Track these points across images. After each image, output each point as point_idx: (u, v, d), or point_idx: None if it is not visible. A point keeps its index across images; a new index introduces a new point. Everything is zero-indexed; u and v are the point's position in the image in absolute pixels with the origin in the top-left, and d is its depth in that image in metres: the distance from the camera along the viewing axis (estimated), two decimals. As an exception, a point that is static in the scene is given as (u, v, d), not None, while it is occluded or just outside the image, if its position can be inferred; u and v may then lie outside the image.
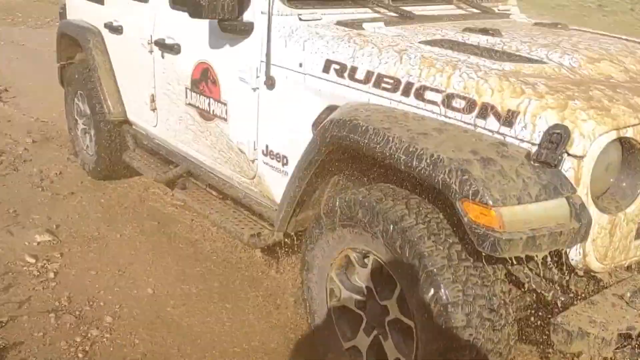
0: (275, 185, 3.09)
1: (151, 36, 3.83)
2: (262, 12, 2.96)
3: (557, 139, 1.94)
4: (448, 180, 1.91)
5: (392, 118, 2.22)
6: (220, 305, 3.39)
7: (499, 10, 3.64)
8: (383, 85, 2.45)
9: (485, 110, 2.13)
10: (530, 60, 2.42)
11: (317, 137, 2.44)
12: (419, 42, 2.67)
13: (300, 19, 2.95)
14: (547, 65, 2.38)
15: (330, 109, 2.70)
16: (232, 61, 3.17)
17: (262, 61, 3.00)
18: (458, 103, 2.20)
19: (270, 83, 2.95)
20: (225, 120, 3.34)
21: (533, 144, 2.01)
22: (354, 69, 2.57)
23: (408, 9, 3.20)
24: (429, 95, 2.30)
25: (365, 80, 2.52)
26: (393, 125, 2.15)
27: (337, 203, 2.41)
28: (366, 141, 2.18)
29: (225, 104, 3.31)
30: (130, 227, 4.24)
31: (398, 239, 2.14)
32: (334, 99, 2.67)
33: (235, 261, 3.86)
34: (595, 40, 2.82)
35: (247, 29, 3.02)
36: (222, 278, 3.67)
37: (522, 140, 2.04)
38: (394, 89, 2.41)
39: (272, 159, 3.07)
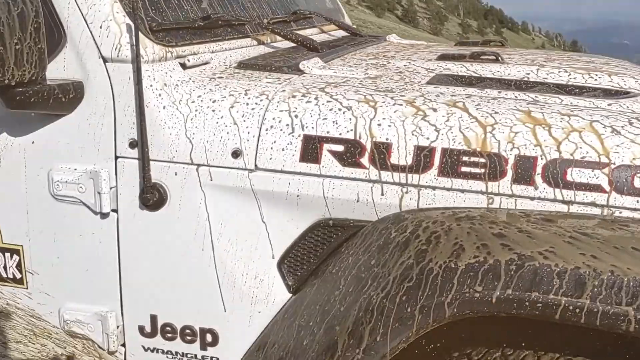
0: (185, 386, 1.59)
1: None
2: (105, 59, 1.44)
3: None
4: None
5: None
6: None
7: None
8: (462, 170, 1.30)
9: None
10: (624, 94, 1.59)
11: (449, 305, 1.11)
12: (433, 84, 1.58)
13: (183, 66, 1.52)
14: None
15: (320, 226, 1.42)
16: (33, 164, 1.53)
17: (119, 157, 1.47)
18: (645, 182, 1.23)
19: (153, 199, 1.45)
20: (22, 282, 1.63)
21: None
22: (382, 149, 1.34)
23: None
24: (577, 175, 1.25)
25: (418, 166, 1.32)
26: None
27: None
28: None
29: (15, 252, 1.61)
30: None
31: None
32: (331, 207, 1.39)
33: None
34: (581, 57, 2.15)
35: (72, 97, 1.44)
36: None
37: None
38: (492, 176, 1.29)
39: (171, 339, 1.55)
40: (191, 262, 1.48)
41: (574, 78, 1.70)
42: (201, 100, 1.45)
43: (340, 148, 1.35)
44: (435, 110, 1.36)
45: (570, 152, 1.27)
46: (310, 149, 1.37)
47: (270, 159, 1.39)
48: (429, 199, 1.32)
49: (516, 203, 1.28)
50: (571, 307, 1.03)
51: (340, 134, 1.36)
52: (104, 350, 1.62)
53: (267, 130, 1.39)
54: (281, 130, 1.39)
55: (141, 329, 1.57)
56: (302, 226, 1.43)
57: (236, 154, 1.41)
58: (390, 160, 1.33)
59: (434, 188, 1.32)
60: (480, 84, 1.60)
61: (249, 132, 1.40)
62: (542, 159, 1.27)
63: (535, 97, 1.49)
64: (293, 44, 2.01)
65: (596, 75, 1.71)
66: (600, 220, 1.20)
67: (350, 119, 1.37)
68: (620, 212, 1.24)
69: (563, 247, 1.09)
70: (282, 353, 1.37)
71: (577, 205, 1.26)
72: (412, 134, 1.33)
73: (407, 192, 1.33)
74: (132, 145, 1.45)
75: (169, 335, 1.55)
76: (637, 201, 1.23)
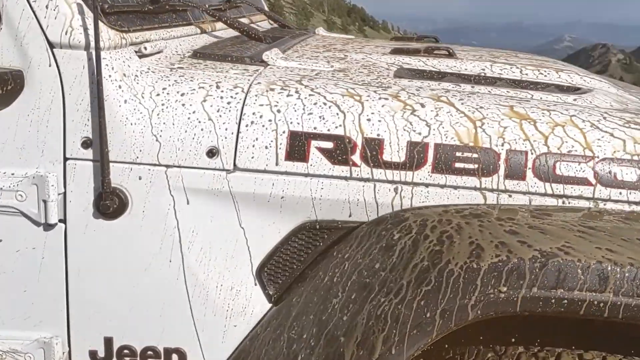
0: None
1: None
2: (52, 45, 1.24)
3: None
4: None
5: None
6: None
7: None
8: (456, 166, 1.27)
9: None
10: (575, 90, 1.65)
11: (473, 308, 1.06)
12: (403, 78, 1.54)
13: (139, 55, 1.35)
14: (602, 93, 1.65)
15: (305, 229, 1.33)
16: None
17: (69, 159, 1.28)
18: (627, 174, 1.28)
19: (113, 206, 1.28)
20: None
21: None
22: (373, 145, 1.27)
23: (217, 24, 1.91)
24: (566, 169, 1.27)
25: (412, 163, 1.27)
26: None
27: None
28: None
29: None
30: None
31: None
32: (318, 209, 1.30)
33: None
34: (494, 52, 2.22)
35: (10, 89, 1.23)
36: None
37: None
38: (485, 171, 1.27)
39: (131, 363, 1.38)
40: (156, 275, 1.33)
41: (526, 74, 1.74)
42: (167, 94, 1.29)
43: (329, 145, 1.27)
44: (422, 105, 1.32)
45: (557, 146, 1.28)
46: (297, 146, 1.27)
47: (252, 158, 1.27)
48: (422, 197, 1.28)
49: (509, 198, 1.27)
50: (595, 302, 1.03)
51: (328, 130, 1.27)
52: (43, 382, 1.40)
53: (247, 126, 1.27)
54: (263, 126, 1.27)
55: (93, 354, 1.38)
56: (285, 230, 1.32)
57: (212, 152, 1.27)
58: (383, 157, 1.27)
59: (427, 185, 1.27)
60: (445, 79, 1.58)
61: (226, 129, 1.27)
62: (532, 153, 1.27)
63: (507, 92, 1.50)
64: (233, 33, 1.88)
65: (545, 71, 1.76)
66: (596, 212, 1.23)
67: (337, 114, 1.28)
68: (605, 204, 1.27)
69: (577, 241, 1.09)
70: (271, 369, 1.26)
71: (566, 198, 1.27)
72: (404, 130, 1.28)
73: (400, 191, 1.28)
74: (86, 144, 1.27)
75: (127, 359, 1.38)
76: (620, 193, 1.27)
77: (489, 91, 1.48)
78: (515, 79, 1.68)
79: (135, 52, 1.35)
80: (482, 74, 1.69)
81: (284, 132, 1.27)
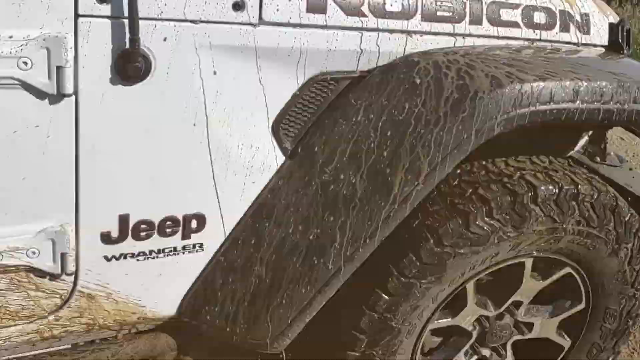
0: (154, 292, 1.41)
1: None
2: None
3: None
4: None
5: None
6: None
7: None
8: (439, 14, 1.47)
9: (566, 21, 1.70)
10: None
11: (498, 125, 1.29)
12: None
13: None
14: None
15: (317, 82, 1.41)
16: None
17: (81, 16, 1.11)
18: (539, 18, 1.64)
19: (142, 68, 1.17)
20: None
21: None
22: (378, -4, 1.38)
23: None
24: (505, 15, 1.58)
25: (407, 12, 1.42)
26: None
27: None
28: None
29: None
30: None
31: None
32: (331, 60, 1.38)
33: None
34: None
35: None
36: None
37: (595, 45, 1.80)
38: (458, 17, 1.50)
39: (146, 237, 1.33)
40: (179, 141, 1.27)
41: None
42: None
43: (343, -3, 1.33)
44: (401, -43, 1.45)
45: (498, -4, 1.57)
46: (315, -1, 1.30)
47: (277, 10, 1.27)
48: (414, 44, 1.45)
49: (473, 42, 1.53)
50: (572, 109, 1.39)
51: None
52: (46, 277, 1.27)
53: (271, -23, 1.25)
54: None
55: (105, 236, 1.29)
56: (299, 84, 1.37)
57: (238, 5, 1.23)
58: (385, 7, 1.39)
59: (416, 33, 1.45)
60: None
61: (251, -20, 1.23)
62: (485, 2, 1.53)
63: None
64: None
65: None
66: (535, 48, 1.57)
67: None
68: (526, 43, 1.62)
69: (550, 67, 1.42)
70: (308, 212, 1.37)
71: (506, 39, 1.59)
72: (397, -19, 1.41)
73: (397, 39, 1.42)
74: None
75: (144, 233, 1.32)
76: (535, 32, 1.63)
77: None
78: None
79: None
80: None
81: (302, -17, 1.29)
